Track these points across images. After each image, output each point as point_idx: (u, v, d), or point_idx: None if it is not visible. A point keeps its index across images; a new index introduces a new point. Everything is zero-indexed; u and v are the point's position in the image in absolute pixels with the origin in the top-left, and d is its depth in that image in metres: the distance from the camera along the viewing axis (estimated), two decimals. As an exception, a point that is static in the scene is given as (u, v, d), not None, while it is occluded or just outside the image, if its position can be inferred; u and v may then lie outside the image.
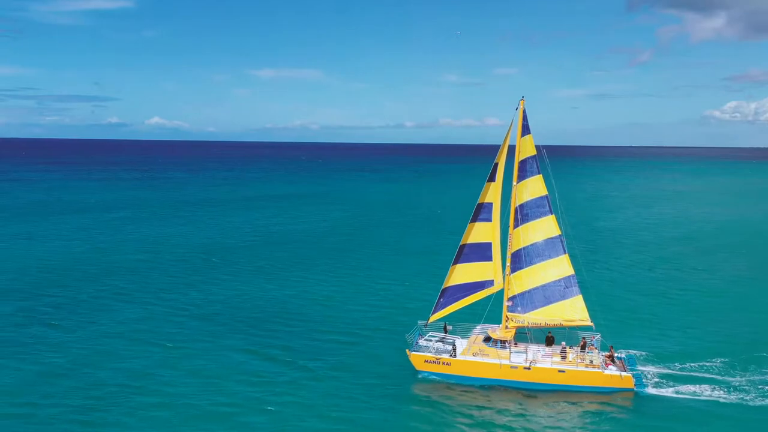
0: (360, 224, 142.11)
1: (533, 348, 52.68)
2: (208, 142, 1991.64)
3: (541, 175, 54.37)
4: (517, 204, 54.36)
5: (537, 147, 54.18)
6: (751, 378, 52.61)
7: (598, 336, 53.97)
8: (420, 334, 55.94)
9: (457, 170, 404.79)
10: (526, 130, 53.89)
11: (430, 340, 54.74)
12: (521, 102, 53.60)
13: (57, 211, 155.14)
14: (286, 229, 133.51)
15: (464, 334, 56.72)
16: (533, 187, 54.36)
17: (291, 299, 76.48)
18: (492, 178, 54.66)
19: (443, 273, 57.37)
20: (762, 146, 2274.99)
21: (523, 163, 54.11)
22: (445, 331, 56.75)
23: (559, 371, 50.46)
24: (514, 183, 54.25)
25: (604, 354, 51.98)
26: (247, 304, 73.90)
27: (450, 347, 52.85)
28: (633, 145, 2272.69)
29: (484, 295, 56.32)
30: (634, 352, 57.05)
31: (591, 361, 50.92)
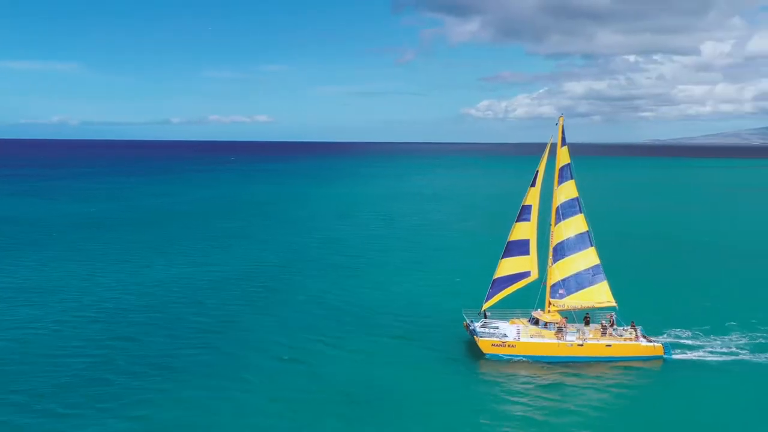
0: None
1: (578, 327, 61.96)
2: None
3: (573, 180, 63.86)
4: (557, 204, 63.53)
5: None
6: (750, 339, 65.47)
7: (613, 315, 64.26)
8: (473, 321, 63.63)
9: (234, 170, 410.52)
10: (563, 142, 63.10)
11: (486, 326, 62.49)
12: (561, 119, 62.79)
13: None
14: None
15: (501, 319, 64.90)
16: (567, 190, 63.74)
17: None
18: (533, 184, 63.50)
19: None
20: (512, 142, 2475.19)
21: (561, 170, 63.31)
22: (485, 317, 64.80)
23: (607, 345, 60.15)
24: (555, 186, 63.37)
25: (638, 329, 62.14)
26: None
27: (516, 332, 60.93)
28: (398, 141, 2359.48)
29: (523, 285, 65.05)
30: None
31: (629, 335, 60.99)
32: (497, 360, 59.84)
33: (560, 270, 63.82)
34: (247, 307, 76.55)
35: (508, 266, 64.44)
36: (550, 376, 56.68)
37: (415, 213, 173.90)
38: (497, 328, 62.55)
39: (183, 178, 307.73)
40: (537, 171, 63.09)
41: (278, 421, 47.32)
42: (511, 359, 59.92)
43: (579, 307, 63.79)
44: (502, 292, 64.48)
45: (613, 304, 63.84)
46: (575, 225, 64.21)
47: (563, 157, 63.42)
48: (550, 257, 64.08)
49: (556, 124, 63.09)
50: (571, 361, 59.77)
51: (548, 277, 64.06)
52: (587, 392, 53.88)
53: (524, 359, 59.82)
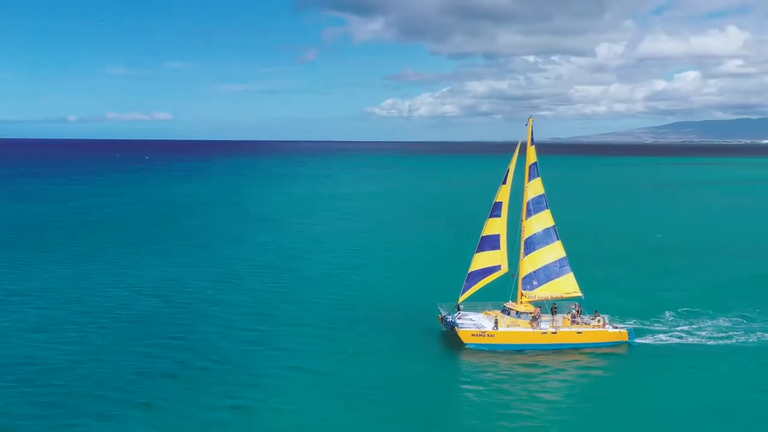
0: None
1: (547, 318, 65.59)
2: None
3: (539, 177, 67.54)
4: (527, 200, 67.10)
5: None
6: (705, 323, 70.98)
7: (575, 305, 68.28)
8: (449, 313, 66.39)
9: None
10: (532, 141, 66.66)
11: (460, 318, 65.33)
12: (530, 120, 66.44)
13: None
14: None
15: (471, 310, 67.87)
16: (535, 187, 67.42)
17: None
18: (504, 181, 66.82)
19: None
20: (417, 140, 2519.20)
21: (530, 167, 66.89)
22: (459, 310, 67.65)
23: (578, 333, 64.01)
24: (526, 183, 66.90)
25: (604, 317, 66.22)
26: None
27: (492, 323, 63.93)
28: (303, 139, 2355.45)
29: (495, 278, 68.30)
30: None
31: (592, 323, 65.03)
32: (477, 349, 62.65)
33: (531, 263, 67.37)
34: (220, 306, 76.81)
35: (481, 260, 67.52)
36: (527, 363, 59.95)
37: (363, 212, 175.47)
38: (472, 320, 65.50)
39: (113, 180, 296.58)
40: (508, 169, 66.39)
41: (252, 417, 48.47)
42: (490, 348, 62.83)
43: (549, 297, 67.49)
44: (476, 285, 67.49)
45: (579, 294, 67.86)
46: (542, 220, 67.90)
47: (532, 155, 66.94)
48: (522, 250, 67.49)
49: (526, 125, 66.74)
50: (546, 349, 63.26)
51: (520, 269, 67.43)
52: (563, 376, 57.56)
53: (503, 348, 62.86)
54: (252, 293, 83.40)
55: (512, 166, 66.34)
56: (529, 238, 67.55)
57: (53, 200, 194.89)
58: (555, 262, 68.11)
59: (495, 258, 67.84)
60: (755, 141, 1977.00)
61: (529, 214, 67.44)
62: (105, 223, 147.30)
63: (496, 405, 51.22)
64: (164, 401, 50.13)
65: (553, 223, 68.29)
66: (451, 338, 64.73)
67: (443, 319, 66.68)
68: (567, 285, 67.99)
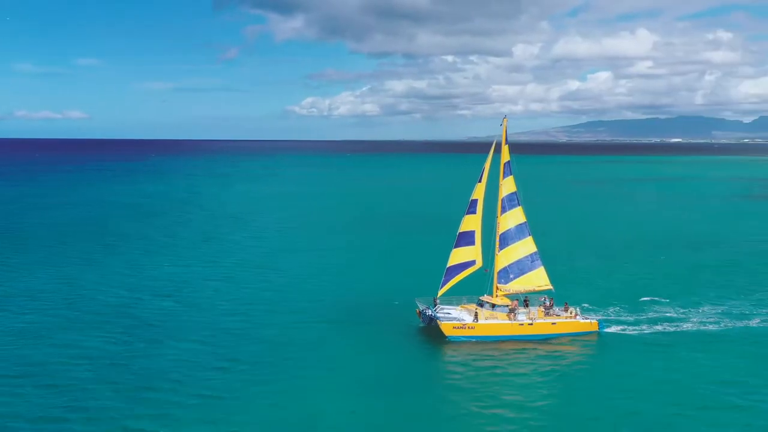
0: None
1: (524, 310, 68.49)
2: None
3: (512, 176, 70.51)
4: (502, 196, 69.98)
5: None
6: (664, 313, 75.13)
7: (545, 297, 71.53)
8: (428, 307, 68.48)
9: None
10: (506, 141, 69.54)
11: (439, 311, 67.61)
12: (504, 120, 69.33)
13: None
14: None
15: (447, 304, 70.16)
16: (509, 185, 70.37)
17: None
18: (480, 179, 69.43)
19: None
20: (337, 139, 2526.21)
21: (505, 165, 69.79)
22: (435, 304, 69.84)
23: (552, 324, 67.15)
24: (501, 180, 69.78)
25: (576, 308, 69.57)
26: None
27: (472, 316, 66.39)
28: (225, 138, 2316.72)
29: (470, 272, 70.86)
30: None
31: (568, 314, 68.35)
32: (457, 341, 65.00)
33: (506, 257, 70.30)
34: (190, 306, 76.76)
35: (458, 256, 69.93)
36: (507, 352, 62.78)
37: (323, 211, 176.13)
38: (449, 313, 67.80)
39: (58, 181, 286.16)
40: (483, 168, 69.01)
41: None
42: (470, 340, 65.27)
43: (522, 290, 70.54)
44: (453, 279, 69.90)
45: (550, 287, 71.12)
46: (515, 216, 70.91)
47: (505, 154, 69.78)
48: (497, 245, 70.31)
49: (501, 125, 69.57)
50: (523, 339, 66.14)
51: (495, 263, 70.20)
52: (540, 363, 60.59)
53: (482, 339, 65.40)
54: (236, 293, 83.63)
55: (487, 165, 68.94)
56: (503, 233, 70.43)
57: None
58: (527, 256, 71.18)
59: (470, 253, 70.37)
60: (664, 140, 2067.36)
61: (503, 210, 70.33)
62: (75, 224, 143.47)
63: (482, 391, 53.97)
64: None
65: (525, 219, 71.32)
66: (430, 332, 66.83)
67: (421, 313, 68.71)
68: (539, 278, 71.14)
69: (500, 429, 47.07)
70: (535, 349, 64.05)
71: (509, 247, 70.63)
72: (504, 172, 70.10)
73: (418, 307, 69.45)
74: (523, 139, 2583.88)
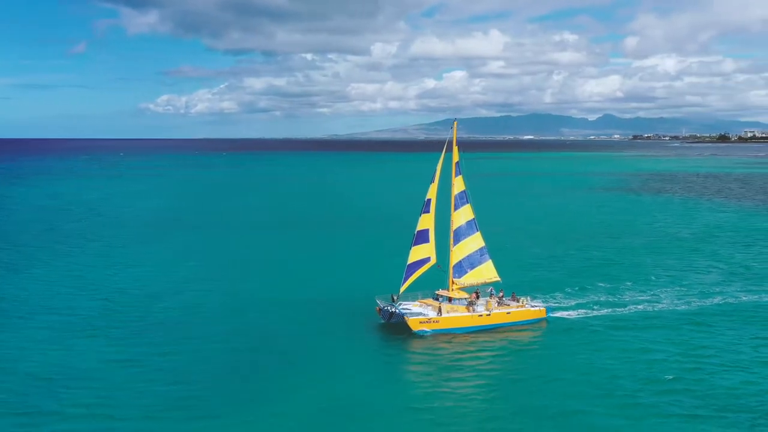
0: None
1: (481, 302, 72.33)
2: None
3: (462, 176, 74.36)
4: (454, 194, 73.71)
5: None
6: (603, 298, 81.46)
7: (491, 289, 75.90)
8: (390, 305, 70.95)
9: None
10: (457, 142, 73.25)
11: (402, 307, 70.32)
12: (455, 123, 73.28)
13: None
14: None
15: (404, 300, 72.97)
16: (459, 184, 74.17)
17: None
18: (433, 180, 72.69)
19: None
20: (195, 137, 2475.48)
21: (456, 165, 73.49)
22: (393, 300, 72.46)
23: (507, 313, 71.43)
24: (453, 179, 73.57)
25: (525, 298, 74.10)
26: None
27: (435, 310, 69.43)
28: (76, 137, 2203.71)
29: (426, 269, 74.03)
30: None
31: (514, 304, 72.86)
32: (423, 335, 67.88)
33: (459, 252, 74.05)
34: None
35: (415, 253, 72.91)
36: (468, 342, 66.69)
37: (254, 211, 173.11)
38: (409, 309, 70.56)
39: None
40: (436, 169, 72.35)
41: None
42: (434, 333, 68.31)
43: (475, 283, 74.53)
44: (412, 276, 72.87)
45: (498, 279, 75.48)
46: (465, 214, 74.82)
47: (456, 154, 73.47)
48: (452, 241, 73.95)
49: (451, 127, 73.31)
50: (481, 329, 69.99)
51: (450, 258, 73.78)
52: (498, 350, 65.23)
53: (446, 332, 68.62)
54: (205, 297, 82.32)
55: (439, 166, 72.28)
56: (456, 229, 74.15)
57: None
58: (477, 251, 75.23)
59: (426, 250, 73.53)
60: (517, 137, 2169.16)
61: (456, 208, 74.01)
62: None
63: (452, 378, 57.82)
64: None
65: (474, 216, 75.31)
66: (392, 328, 69.23)
67: (381, 310, 70.99)
68: (488, 271, 75.37)
69: (469, 411, 50.80)
70: (492, 339, 67.99)
71: (462, 242, 74.38)
72: (455, 171, 73.69)
73: (377, 305, 71.61)
74: (383, 136, 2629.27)
